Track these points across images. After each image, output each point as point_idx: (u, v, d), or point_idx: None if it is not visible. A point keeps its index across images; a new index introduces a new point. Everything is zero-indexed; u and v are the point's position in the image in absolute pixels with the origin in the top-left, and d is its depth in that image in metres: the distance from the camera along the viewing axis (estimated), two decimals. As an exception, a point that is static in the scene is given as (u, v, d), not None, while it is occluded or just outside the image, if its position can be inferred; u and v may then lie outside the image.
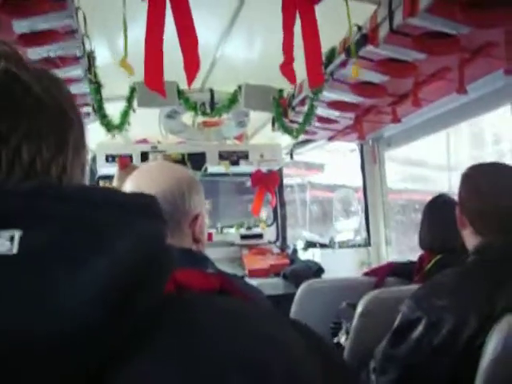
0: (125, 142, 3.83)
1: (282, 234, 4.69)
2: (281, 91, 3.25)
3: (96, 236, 0.42)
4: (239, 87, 3.25)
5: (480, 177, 1.55)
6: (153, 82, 1.77)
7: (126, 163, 2.51)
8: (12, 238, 0.40)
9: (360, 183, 3.80)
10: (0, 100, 0.48)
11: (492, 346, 1.16)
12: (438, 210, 2.24)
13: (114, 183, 2.23)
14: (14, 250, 0.40)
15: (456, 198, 1.61)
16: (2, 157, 0.48)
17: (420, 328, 1.34)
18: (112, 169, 3.15)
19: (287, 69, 2.03)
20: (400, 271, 2.46)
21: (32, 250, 0.40)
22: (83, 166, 0.58)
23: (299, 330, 0.51)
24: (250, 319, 0.50)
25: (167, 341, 0.43)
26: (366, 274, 2.61)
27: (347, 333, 2.05)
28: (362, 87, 2.40)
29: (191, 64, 1.77)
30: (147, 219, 0.47)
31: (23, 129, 0.49)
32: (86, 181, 0.62)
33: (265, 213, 4.59)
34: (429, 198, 2.36)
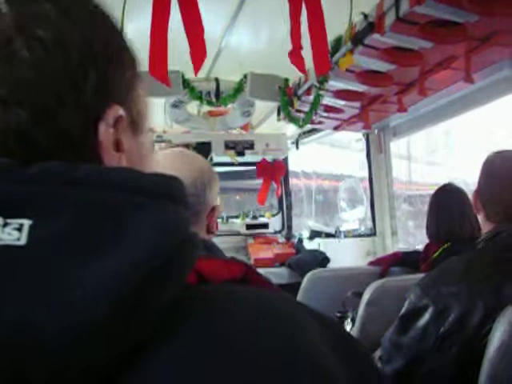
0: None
1: (287, 224, 4.70)
2: (286, 80, 3.24)
3: (113, 224, 0.40)
4: (245, 76, 3.24)
5: (498, 162, 1.54)
6: (157, 71, 1.76)
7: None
8: (21, 228, 0.38)
9: (365, 174, 3.79)
10: None
11: (498, 334, 1.16)
12: (444, 198, 2.24)
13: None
14: (23, 241, 0.37)
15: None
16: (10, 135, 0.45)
17: (427, 315, 1.33)
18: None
19: (296, 57, 2.02)
20: (405, 260, 2.46)
21: (42, 241, 0.38)
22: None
23: (322, 323, 0.49)
24: (278, 310, 0.47)
25: (190, 335, 0.41)
26: (372, 263, 2.62)
27: (353, 322, 2.06)
28: (367, 76, 2.39)
29: (198, 52, 1.76)
30: (171, 204, 0.44)
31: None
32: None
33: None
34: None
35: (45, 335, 0.34)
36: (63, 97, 0.47)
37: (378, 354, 1.53)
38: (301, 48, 1.96)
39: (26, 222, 0.38)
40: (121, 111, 0.51)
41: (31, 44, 0.45)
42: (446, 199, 2.22)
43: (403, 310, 1.43)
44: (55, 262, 0.37)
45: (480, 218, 1.55)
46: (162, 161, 1.28)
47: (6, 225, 0.38)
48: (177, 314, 0.41)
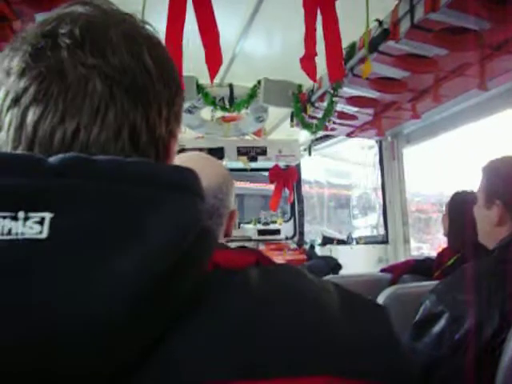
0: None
1: (299, 230, 4.69)
2: (300, 86, 3.25)
3: (132, 218, 0.40)
4: (258, 82, 3.25)
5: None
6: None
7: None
8: (42, 221, 0.38)
9: (376, 184, 3.79)
10: None
11: (512, 343, 1.15)
12: (458, 206, 2.22)
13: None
14: (44, 234, 0.38)
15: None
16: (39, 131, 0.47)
17: (442, 322, 1.32)
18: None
19: (308, 64, 2.02)
20: (418, 268, 2.45)
21: (63, 234, 0.38)
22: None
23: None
24: (302, 289, 0.48)
25: (212, 316, 0.42)
26: (384, 270, 2.60)
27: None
28: (381, 83, 2.39)
29: (213, 58, 1.77)
30: (189, 196, 0.44)
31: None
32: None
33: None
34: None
35: (71, 326, 0.35)
36: (161, 110, 0.53)
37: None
38: (315, 55, 1.96)
39: (48, 216, 0.39)
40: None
41: (153, 59, 0.53)
42: (460, 208, 2.20)
43: (418, 316, 1.42)
44: (76, 255, 0.37)
45: (487, 222, 1.52)
46: (187, 162, 1.29)
47: (27, 219, 0.38)
48: (199, 299, 0.42)
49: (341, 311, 0.46)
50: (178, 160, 1.35)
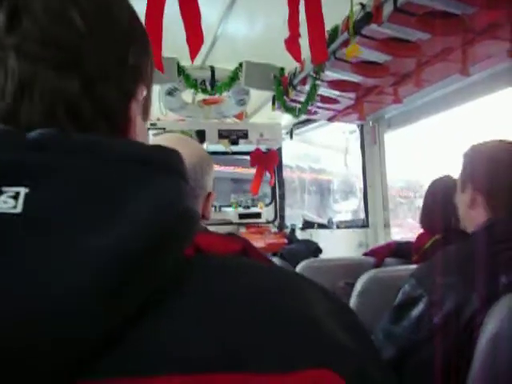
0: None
1: (280, 214, 4.70)
2: (282, 69, 3.23)
3: (109, 195, 0.39)
4: (240, 65, 3.23)
5: (493, 152, 1.52)
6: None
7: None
8: (17, 196, 0.38)
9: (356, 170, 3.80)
10: None
11: (490, 325, 1.16)
12: (439, 189, 2.23)
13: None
14: (19, 209, 0.37)
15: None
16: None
17: (421, 305, 1.33)
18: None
19: (292, 45, 2.01)
20: (399, 251, 2.47)
21: (37, 210, 0.37)
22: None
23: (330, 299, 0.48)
24: (282, 279, 0.47)
25: (190, 296, 0.41)
26: (365, 254, 2.62)
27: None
28: (363, 67, 2.38)
29: (194, 39, 1.75)
30: (170, 176, 0.43)
31: None
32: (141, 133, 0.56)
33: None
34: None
35: (35, 304, 0.34)
36: (108, 71, 0.49)
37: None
38: (299, 36, 1.95)
39: (23, 190, 0.38)
40: (145, 92, 0.55)
41: (85, 15, 0.48)
42: (441, 190, 2.21)
43: (397, 300, 1.43)
44: (50, 231, 0.36)
45: (474, 211, 1.54)
46: (163, 142, 1.29)
47: (1, 193, 0.38)
48: (177, 280, 0.41)
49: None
50: (154, 142, 1.35)
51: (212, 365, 0.37)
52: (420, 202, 2.33)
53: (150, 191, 0.40)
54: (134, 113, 0.53)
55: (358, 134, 3.76)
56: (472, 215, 1.52)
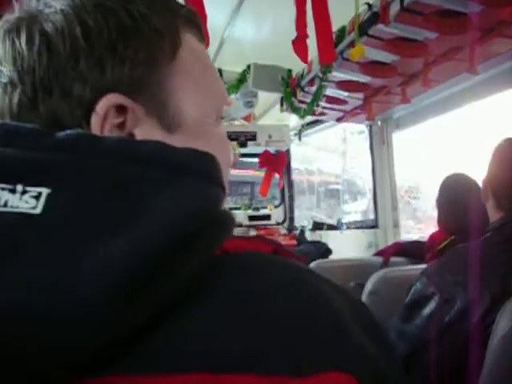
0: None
1: (289, 215, 4.69)
2: (289, 71, 3.23)
3: (132, 199, 0.39)
4: (248, 67, 3.23)
5: (510, 148, 1.52)
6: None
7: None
8: (39, 196, 0.37)
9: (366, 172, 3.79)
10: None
11: (501, 325, 1.15)
12: (452, 188, 2.20)
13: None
14: (39, 209, 0.37)
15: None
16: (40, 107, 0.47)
17: (432, 304, 1.33)
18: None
19: (300, 46, 2.01)
20: (407, 251, 2.46)
21: (57, 212, 0.37)
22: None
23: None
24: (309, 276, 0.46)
25: (216, 296, 0.40)
26: (375, 254, 2.62)
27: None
28: (371, 67, 2.38)
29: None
30: (198, 182, 0.42)
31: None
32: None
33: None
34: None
35: (48, 305, 0.33)
36: (51, 85, 0.48)
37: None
38: (306, 36, 1.95)
39: (45, 191, 0.38)
40: (120, 99, 0.49)
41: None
42: (454, 190, 2.18)
43: (408, 298, 1.43)
44: (67, 233, 0.36)
45: (488, 206, 1.53)
46: None
47: (24, 192, 0.38)
48: (201, 280, 0.40)
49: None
50: None
51: (233, 364, 0.36)
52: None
53: (171, 197, 0.40)
54: (96, 126, 0.49)
55: (366, 134, 3.76)
56: (489, 213, 1.53)
